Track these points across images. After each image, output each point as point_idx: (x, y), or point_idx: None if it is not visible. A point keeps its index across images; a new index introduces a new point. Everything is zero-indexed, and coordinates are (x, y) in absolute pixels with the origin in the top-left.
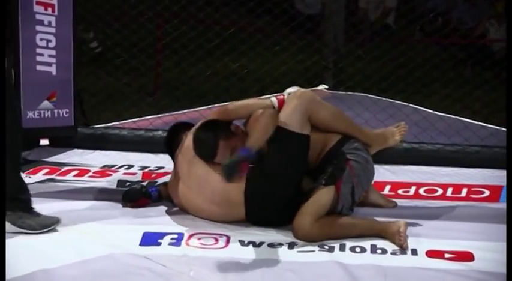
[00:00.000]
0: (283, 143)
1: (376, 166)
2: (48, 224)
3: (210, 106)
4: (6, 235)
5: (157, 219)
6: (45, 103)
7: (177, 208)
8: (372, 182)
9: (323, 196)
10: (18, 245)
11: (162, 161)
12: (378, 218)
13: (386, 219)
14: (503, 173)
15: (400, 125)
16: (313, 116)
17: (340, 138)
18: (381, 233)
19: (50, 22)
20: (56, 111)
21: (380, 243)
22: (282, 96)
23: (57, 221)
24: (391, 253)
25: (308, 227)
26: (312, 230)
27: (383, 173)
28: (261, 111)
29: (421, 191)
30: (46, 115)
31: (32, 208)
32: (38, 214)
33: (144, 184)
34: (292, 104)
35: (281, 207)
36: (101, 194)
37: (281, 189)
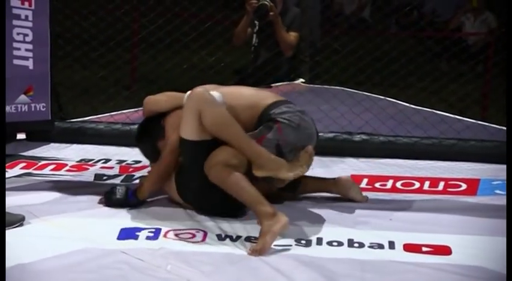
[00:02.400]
0: (187, 154)
1: (352, 160)
2: (11, 223)
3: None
4: None
5: (135, 214)
6: (22, 97)
7: (155, 204)
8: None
9: (243, 144)
10: None
11: (139, 155)
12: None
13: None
14: (479, 166)
15: (303, 167)
16: (202, 121)
17: (269, 104)
18: (258, 217)
19: (26, 16)
20: (32, 105)
21: (357, 237)
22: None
23: (22, 219)
24: (368, 247)
25: (213, 163)
26: (216, 169)
27: (360, 166)
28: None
29: (398, 184)
30: (23, 109)
31: None
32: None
33: (121, 187)
34: (185, 107)
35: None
36: (78, 188)
37: (201, 187)
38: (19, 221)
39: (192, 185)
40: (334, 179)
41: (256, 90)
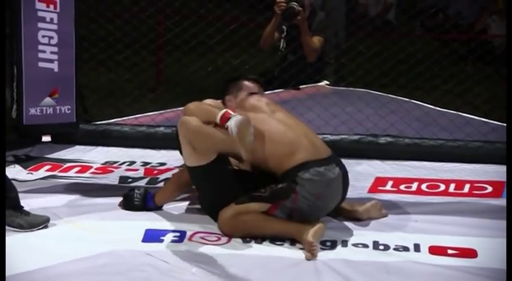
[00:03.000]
0: (193, 181)
1: (377, 162)
2: (37, 224)
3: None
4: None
5: (160, 216)
6: (47, 100)
7: (179, 207)
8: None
9: (255, 205)
10: (18, 242)
11: (164, 157)
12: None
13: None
14: (504, 168)
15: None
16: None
17: (301, 163)
18: (294, 236)
19: (52, 19)
20: (58, 107)
21: (382, 239)
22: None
23: (47, 220)
24: (394, 249)
25: (224, 220)
26: (227, 223)
27: (385, 168)
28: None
29: (423, 187)
30: (48, 112)
31: (21, 206)
32: (27, 213)
33: (140, 192)
34: (180, 137)
35: None
36: (103, 191)
37: (221, 202)
38: (44, 222)
39: (206, 204)
40: (349, 210)
41: (294, 131)
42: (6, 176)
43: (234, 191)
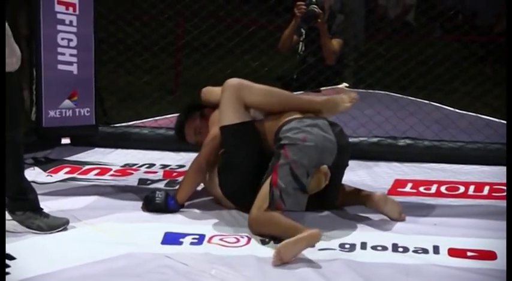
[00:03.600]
0: (226, 140)
1: (397, 164)
2: (56, 226)
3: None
4: (20, 235)
5: (179, 219)
6: (67, 102)
7: (198, 209)
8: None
9: (264, 187)
10: (36, 244)
11: (183, 159)
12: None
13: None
14: None
15: (351, 92)
16: (247, 100)
17: (281, 123)
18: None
19: (71, 21)
20: (77, 110)
21: (401, 241)
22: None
23: (66, 223)
24: (413, 251)
25: (250, 218)
26: (252, 224)
27: (404, 170)
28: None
29: (443, 189)
30: (67, 114)
31: (40, 208)
32: (47, 215)
33: (161, 192)
34: (222, 98)
35: (251, 191)
36: (122, 193)
37: (242, 177)
38: (63, 224)
39: (234, 173)
40: (368, 193)
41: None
42: (25, 178)
43: (252, 161)
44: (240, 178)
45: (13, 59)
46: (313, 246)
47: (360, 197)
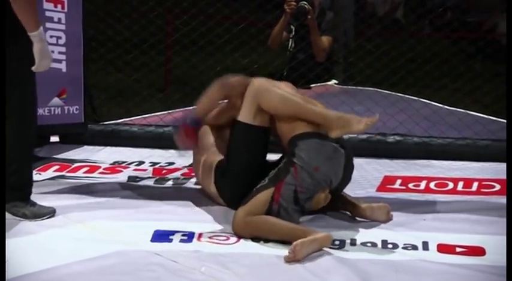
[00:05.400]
0: (234, 134)
1: (386, 161)
2: (41, 214)
3: (220, 101)
4: (10, 234)
5: (168, 216)
6: (56, 100)
7: (187, 207)
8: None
9: (261, 194)
10: (26, 242)
11: (173, 157)
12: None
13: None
14: None
15: (372, 117)
16: (263, 105)
17: (295, 135)
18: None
19: (59, 19)
20: (66, 108)
21: (391, 238)
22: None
23: (52, 212)
24: (402, 248)
25: (236, 221)
26: (239, 225)
27: (393, 167)
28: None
29: (432, 185)
30: (56, 112)
31: (28, 198)
32: (33, 204)
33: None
34: (246, 94)
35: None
36: (112, 191)
37: (240, 180)
38: (48, 214)
39: (230, 171)
40: (353, 204)
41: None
42: (31, 172)
43: (257, 163)
44: (237, 181)
45: (46, 62)
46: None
47: (345, 205)
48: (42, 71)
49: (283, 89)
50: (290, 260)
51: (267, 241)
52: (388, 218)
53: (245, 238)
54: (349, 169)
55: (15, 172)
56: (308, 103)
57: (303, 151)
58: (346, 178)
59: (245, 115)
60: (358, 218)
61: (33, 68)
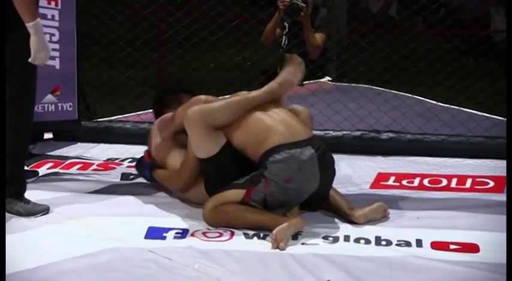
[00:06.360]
0: (207, 171)
1: (380, 158)
2: (35, 212)
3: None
4: (6, 228)
5: (162, 213)
6: (49, 97)
7: (181, 204)
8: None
9: (234, 191)
10: (20, 239)
11: None
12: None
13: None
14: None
15: (293, 58)
16: (216, 125)
17: (269, 148)
18: (271, 227)
19: (53, 16)
20: (59, 105)
21: (384, 235)
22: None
23: (46, 210)
24: (396, 245)
25: (206, 213)
26: (209, 216)
27: (387, 164)
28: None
29: (425, 182)
30: (50, 109)
31: (23, 195)
32: (27, 201)
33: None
34: (190, 132)
35: None
36: (105, 188)
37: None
38: (42, 211)
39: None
40: (347, 213)
41: (271, 119)
42: (23, 168)
43: (236, 175)
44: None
45: (42, 54)
46: (296, 238)
47: (340, 211)
48: (39, 64)
49: (213, 101)
50: (274, 247)
51: (260, 237)
52: (385, 216)
53: (216, 226)
54: (326, 169)
55: (8, 168)
56: (246, 94)
57: (274, 164)
58: (326, 178)
59: (203, 150)
60: None
61: (29, 60)
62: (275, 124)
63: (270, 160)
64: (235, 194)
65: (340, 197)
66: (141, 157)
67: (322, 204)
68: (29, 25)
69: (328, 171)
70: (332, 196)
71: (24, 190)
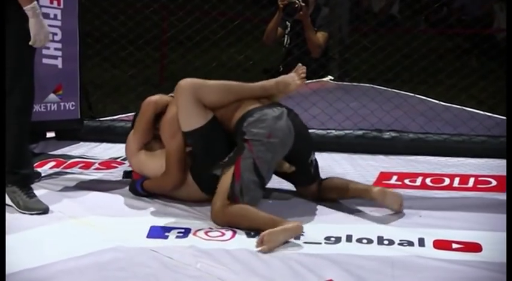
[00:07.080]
0: (199, 143)
1: (382, 157)
2: (32, 209)
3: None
4: (7, 227)
5: (164, 212)
6: (52, 96)
7: (183, 203)
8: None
9: (226, 177)
10: (22, 238)
11: None
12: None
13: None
14: None
15: (299, 68)
16: (205, 100)
17: (242, 114)
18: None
19: (55, 15)
20: (62, 104)
21: (387, 234)
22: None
23: (43, 209)
24: (398, 244)
25: (215, 211)
26: (217, 215)
27: (389, 163)
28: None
29: (428, 181)
30: (52, 108)
31: (29, 187)
32: (32, 196)
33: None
34: (179, 102)
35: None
36: (107, 187)
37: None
38: (40, 210)
39: (210, 170)
40: (366, 188)
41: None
42: (26, 152)
43: (223, 152)
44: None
45: (41, 35)
46: (298, 238)
47: (357, 191)
48: (40, 46)
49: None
50: (257, 248)
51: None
52: (399, 209)
53: (222, 226)
54: (298, 124)
55: (10, 153)
56: (242, 83)
57: (250, 125)
58: (302, 135)
59: (191, 121)
60: (354, 211)
61: (30, 43)
62: (247, 99)
63: (245, 124)
64: (227, 177)
65: (354, 182)
66: (132, 179)
67: (314, 179)
68: (27, 8)
69: (302, 134)
70: (345, 182)
71: (28, 180)
